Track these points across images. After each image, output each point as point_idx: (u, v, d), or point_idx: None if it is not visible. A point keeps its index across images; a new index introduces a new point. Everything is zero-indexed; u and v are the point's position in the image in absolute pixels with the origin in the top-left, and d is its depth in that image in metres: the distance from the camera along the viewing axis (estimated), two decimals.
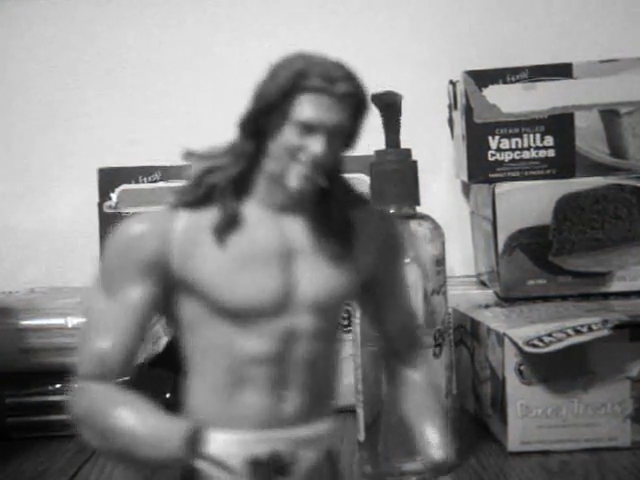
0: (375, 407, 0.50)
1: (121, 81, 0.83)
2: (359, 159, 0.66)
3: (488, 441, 0.56)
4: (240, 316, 0.30)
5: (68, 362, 0.32)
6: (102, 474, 0.53)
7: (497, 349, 0.55)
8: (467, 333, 0.62)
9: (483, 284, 0.72)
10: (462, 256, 0.78)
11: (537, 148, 0.67)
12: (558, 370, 0.53)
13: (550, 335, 0.52)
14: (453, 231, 0.68)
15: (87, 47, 0.83)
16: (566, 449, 0.53)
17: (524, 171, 0.67)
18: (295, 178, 0.30)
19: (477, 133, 0.68)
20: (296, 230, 0.32)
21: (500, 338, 0.54)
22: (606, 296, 0.64)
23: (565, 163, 0.67)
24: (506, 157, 0.68)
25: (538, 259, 0.65)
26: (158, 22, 0.83)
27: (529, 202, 0.65)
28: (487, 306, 0.65)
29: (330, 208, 0.32)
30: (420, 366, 0.36)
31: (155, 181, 0.70)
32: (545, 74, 0.67)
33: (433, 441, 0.35)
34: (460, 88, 0.69)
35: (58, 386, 0.61)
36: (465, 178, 0.71)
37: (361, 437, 0.52)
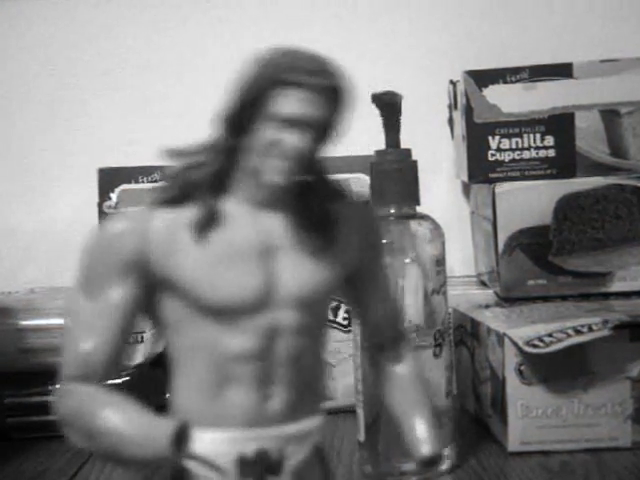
0: (375, 407, 0.50)
1: (121, 81, 0.82)
2: (359, 159, 0.67)
3: (488, 441, 0.56)
4: (222, 313, 0.30)
5: (59, 364, 0.32)
6: (102, 474, 0.53)
7: (497, 349, 0.55)
8: (467, 333, 0.62)
9: (483, 284, 0.72)
10: (462, 256, 0.78)
11: (537, 148, 0.67)
12: (558, 370, 0.53)
13: (550, 335, 0.52)
14: (453, 231, 0.68)
15: (87, 47, 0.83)
16: (566, 449, 0.53)
17: (524, 171, 0.67)
18: (274, 173, 0.30)
19: (477, 133, 0.68)
20: (276, 226, 0.31)
21: (500, 338, 0.54)
22: (606, 296, 0.64)
23: (565, 163, 0.67)
24: (506, 157, 0.68)
25: (538, 259, 0.65)
26: (158, 22, 0.83)
27: (529, 202, 0.65)
28: (487, 306, 0.65)
29: (310, 202, 0.32)
30: (405, 360, 0.36)
31: (155, 181, 0.70)
32: (545, 74, 0.67)
33: (421, 436, 0.35)
34: (460, 88, 0.69)
35: (58, 386, 0.61)
36: (465, 178, 0.71)
37: (361, 437, 0.52)
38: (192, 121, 0.82)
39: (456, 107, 0.73)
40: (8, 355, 0.61)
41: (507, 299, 0.66)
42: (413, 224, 0.51)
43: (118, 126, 0.82)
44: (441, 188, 0.81)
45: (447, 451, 0.51)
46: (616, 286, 0.65)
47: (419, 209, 0.52)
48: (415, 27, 0.82)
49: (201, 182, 0.31)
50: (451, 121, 0.77)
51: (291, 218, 0.32)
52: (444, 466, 0.51)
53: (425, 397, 0.36)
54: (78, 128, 0.82)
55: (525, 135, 0.67)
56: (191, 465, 0.30)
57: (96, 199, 0.71)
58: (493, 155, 0.68)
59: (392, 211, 0.51)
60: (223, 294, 0.30)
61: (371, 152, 0.52)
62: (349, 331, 0.64)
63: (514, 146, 0.67)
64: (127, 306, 0.31)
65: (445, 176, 0.81)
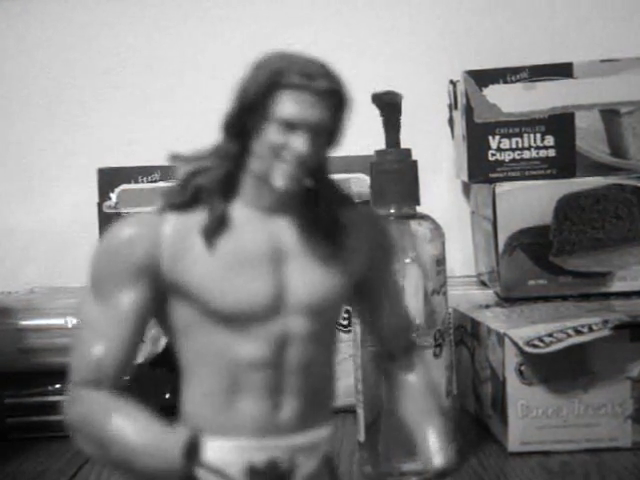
0: (375, 407, 0.50)
1: (120, 81, 0.82)
2: (359, 159, 0.67)
3: (488, 441, 0.56)
4: (232, 320, 0.30)
5: (68, 362, 0.31)
6: (102, 475, 0.53)
7: (497, 349, 0.55)
8: (467, 333, 0.62)
9: (483, 284, 0.72)
10: (462, 256, 0.78)
11: (537, 148, 0.67)
12: (558, 370, 0.53)
13: (550, 335, 0.52)
14: (453, 231, 0.68)
15: (86, 47, 0.83)
16: (566, 449, 0.53)
17: (524, 171, 0.67)
18: (280, 177, 0.30)
19: (477, 133, 0.68)
20: (285, 231, 0.31)
21: (500, 338, 0.54)
22: (607, 296, 0.64)
23: (565, 163, 0.67)
24: (506, 157, 0.68)
25: (539, 259, 0.65)
26: (158, 22, 0.83)
27: (529, 202, 0.65)
28: (487, 306, 0.65)
29: (318, 208, 0.32)
30: (417, 369, 0.36)
31: (155, 181, 0.70)
32: (545, 74, 0.67)
33: (433, 446, 0.35)
34: (460, 88, 0.69)
35: (58, 386, 0.61)
36: (465, 178, 0.71)
37: (361, 437, 0.52)
38: (192, 121, 0.82)
39: (456, 107, 0.73)
40: (8, 355, 0.61)
41: (507, 299, 0.66)
42: (413, 224, 0.51)
43: (118, 126, 0.82)
44: (441, 188, 0.81)
45: (447, 451, 0.51)
46: (616, 286, 0.65)
47: (419, 209, 0.52)
48: (415, 27, 0.82)
49: (209, 187, 0.31)
50: (451, 121, 0.77)
51: (299, 223, 0.31)
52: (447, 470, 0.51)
53: (437, 407, 0.36)
54: (78, 128, 0.82)
55: (525, 135, 0.67)
56: (200, 474, 0.30)
57: (96, 199, 0.71)
58: (493, 155, 0.68)
59: (392, 211, 0.51)
60: (233, 300, 0.30)
61: (371, 152, 0.52)
62: (349, 331, 0.64)
63: (514, 146, 0.67)
64: (138, 311, 0.31)
65: (445, 176, 0.81)
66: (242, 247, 0.30)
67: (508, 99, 0.67)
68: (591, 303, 0.62)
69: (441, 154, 0.81)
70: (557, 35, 0.80)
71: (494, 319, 0.59)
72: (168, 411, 0.31)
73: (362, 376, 0.51)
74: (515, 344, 0.53)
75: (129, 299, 0.31)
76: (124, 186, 0.70)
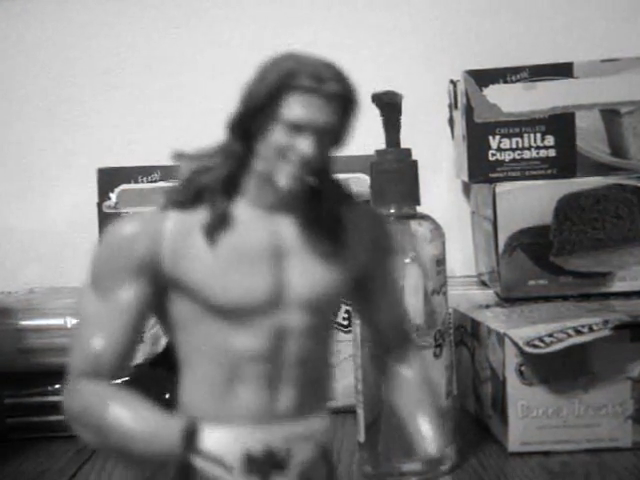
0: (375, 407, 0.50)
1: (120, 81, 0.82)
2: (359, 159, 0.67)
3: (489, 442, 0.56)
4: (232, 314, 0.31)
5: (67, 356, 0.32)
6: (102, 475, 0.53)
7: (498, 349, 0.55)
8: (467, 333, 0.62)
9: (484, 284, 0.72)
10: (463, 256, 0.78)
11: (538, 148, 0.67)
12: (559, 370, 0.53)
13: (551, 335, 0.52)
14: (453, 231, 0.68)
15: (86, 47, 0.83)
16: (567, 450, 0.53)
17: (525, 171, 0.67)
18: (285, 178, 0.30)
19: (477, 133, 0.68)
20: (286, 229, 0.32)
21: (501, 338, 0.54)
22: (607, 296, 0.64)
23: (566, 163, 0.67)
24: (507, 157, 0.67)
25: (539, 259, 0.65)
26: (158, 22, 0.83)
27: (530, 202, 0.64)
28: (487, 306, 0.65)
29: (320, 207, 0.32)
30: (413, 363, 0.37)
31: (155, 181, 0.70)
32: (546, 74, 0.67)
33: (427, 436, 0.35)
34: (460, 88, 0.69)
35: (57, 386, 0.61)
36: (466, 178, 0.71)
37: (361, 437, 0.52)
38: (192, 121, 0.82)
39: (456, 107, 0.73)
40: (7, 355, 0.61)
41: (507, 299, 0.66)
42: (413, 224, 0.51)
43: (118, 126, 0.82)
44: (441, 188, 0.81)
45: (447, 451, 0.51)
46: (617, 286, 0.65)
47: (419, 209, 0.52)
48: (415, 26, 0.82)
49: (213, 185, 0.31)
50: (451, 121, 0.77)
51: (301, 221, 0.32)
52: (444, 466, 0.51)
53: (431, 398, 0.36)
54: (77, 128, 0.82)
55: (525, 135, 0.67)
56: (197, 462, 0.30)
57: (96, 199, 0.71)
58: (493, 155, 0.68)
59: (392, 211, 0.51)
60: (233, 295, 0.31)
61: (371, 152, 0.52)
62: (349, 331, 0.64)
63: (514, 146, 0.67)
64: (138, 306, 0.31)
65: (445, 176, 0.81)
66: (243, 244, 0.31)
67: (508, 99, 0.67)
68: (591, 303, 0.62)
69: (441, 154, 0.80)
70: (557, 35, 0.80)
71: (494, 319, 0.59)
72: (168, 411, 0.32)
73: (362, 376, 0.51)
74: (515, 344, 0.53)
75: (129, 294, 0.31)
76: (124, 186, 0.70)
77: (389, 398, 0.37)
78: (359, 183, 0.67)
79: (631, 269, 0.65)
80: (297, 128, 0.30)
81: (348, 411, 0.57)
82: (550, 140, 0.67)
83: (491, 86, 0.67)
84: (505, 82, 0.67)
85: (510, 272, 0.65)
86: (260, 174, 0.31)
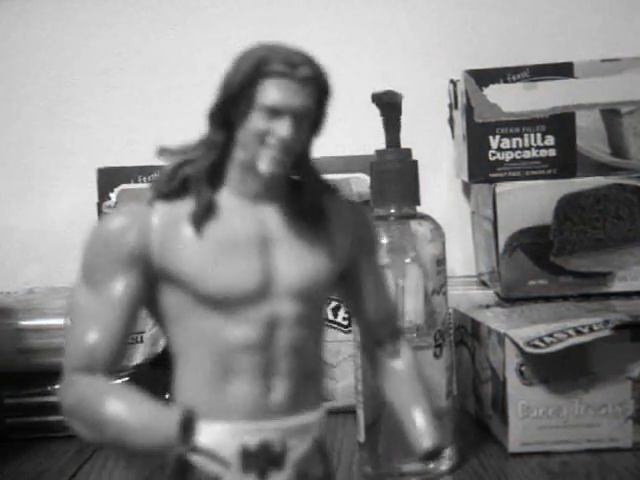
0: (376, 408, 0.50)
1: (120, 80, 0.82)
2: (359, 159, 0.67)
3: (489, 442, 0.56)
4: (222, 304, 0.31)
5: (62, 358, 0.32)
6: (102, 475, 0.53)
7: (498, 349, 0.55)
8: (468, 333, 0.62)
9: (484, 284, 0.72)
10: (463, 256, 0.78)
11: (538, 148, 0.67)
12: (559, 371, 0.53)
13: (551, 335, 0.52)
14: (454, 231, 0.68)
15: (86, 46, 0.83)
16: (567, 450, 0.53)
17: (525, 171, 0.67)
18: (265, 162, 0.31)
19: (478, 133, 0.68)
20: (271, 217, 0.32)
21: (501, 338, 0.54)
22: (607, 296, 0.64)
23: (566, 163, 0.67)
24: (507, 157, 0.67)
25: (539, 259, 0.65)
26: (157, 21, 0.83)
27: (530, 202, 0.64)
28: (488, 306, 0.64)
29: (302, 198, 0.33)
30: (403, 354, 0.36)
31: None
32: (546, 73, 0.67)
33: (422, 429, 0.35)
34: (461, 87, 0.69)
35: (57, 386, 0.60)
36: (466, 178, 0.71)
37: (361, 438, 0.52)
38: (191, 121, 0.82)
39: (456, 106, 0.73)
40: (7, 355, 0.61)
41: (508, 299, 0.65)
42: (413, 224, 0.51)
43: (117, 126, 0.82)
44: (441, 188, 0.81)
45: (448, 451, 0.51)
46: (617, 286, 0.65)
47: (419, 209, 0.52)
48: (415, 26, 0.82)
49: (196, 176, 0.31)
50: (451, 121, 0.77)
51: (285, 211, 0.32)
52: (444, 466, 0.51)
53: (424, 390, 0.36)
54: (77, 128, 0.82)
55: (526, 135, 0.67)
56: (193, 457, 0.30)
57: (95, 199, 0.71)
58: (494, 155, 0.68)
59: (392, 211, 0.50)
60: (223, 285, 0.31)
61: (371, 152, 0.52)
62: (349, 331, 0.64)
63: (515, 146, 0.67)
64: (130, 299, 0.31)
65: (445, 176, 0.81)
66: (230, 233, 0.31)
67: (508, 99, 0.67)
68: (592, 303, 0.62)
69: (441, 154, 0.80)
70: (558, 35, 0.80)
71: (494, 319, 0.59)
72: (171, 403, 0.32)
73: (362, 376, 0.51)
74: (515, 344, 0.53)
75: (121, 287, 0.31)
76: (124, 186, 0.70)
77: (383, 393, 0.37)
78: (359, 183, 0.67)
79: (631, 269, 0.65)
80: (274, 112, 0.30)
81: (348, 411, 0.57)
82: (550, 140, 0.67)
83: (491, 86, 0.67)
84: (505, 82, 0.67)
85: (510, 272, 0.65)
86: (242, 162, 0.31)
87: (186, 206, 0.31)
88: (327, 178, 0.34)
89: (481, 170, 0.68)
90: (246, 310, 0.31)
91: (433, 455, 0.35)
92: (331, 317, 0.65)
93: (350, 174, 0.67)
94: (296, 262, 0.32)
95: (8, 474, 0.55)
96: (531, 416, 0.53)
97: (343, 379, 0.64)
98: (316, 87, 0.31)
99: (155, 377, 0.57)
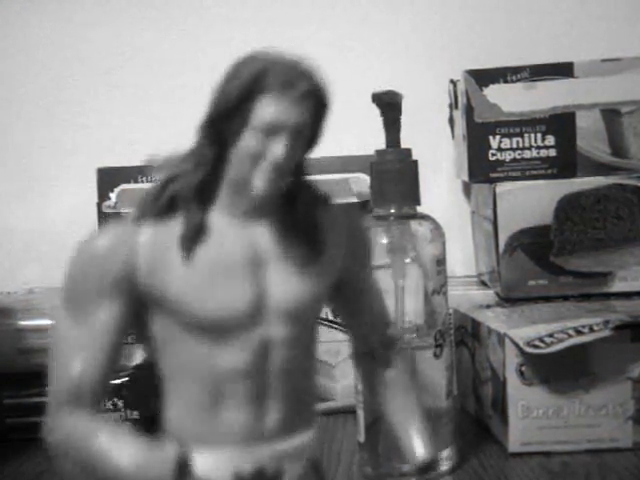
0: (375, 408, 0.50)
1: (120, 81, 0.82)
2: (359, 159, 0.67)
3: (489, 442, 0.56)
4: (213, 330, 0.30)
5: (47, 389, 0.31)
6: None
7: (498, 349, 0.55)
8: (468, 333, 0.62)
9: (484, 284, 0.72)
10: (463, 256, 0.78)
11: (538, 148, 0.67)
12: (559, 371, 0.53)
13: (551, 335, 0.52)
14: (454, 231, 0.68)
15: (86, 46, 0.83)
16: (567, 450, 0.53)
17: (525, 171, 0.67)
18: (260, 183, 0.29)
19: (478, 132, 0.67)
20: (263, 237, 0.31)
21: (501, 338, 0.54)
22: (607, 296, 0.64)
23: (566, 163, 0.67)
24: (507, 157, 0.67)
25: (539, 259, 0.65)
26: (158, 21, 0.83)
27: (530, 202, 0.64)
28: (488, 306, 0.64)
29: (295, 210, 0.31)
30: (397, 365, 0.36)
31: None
32: (546, 73, 0.67)
33: (416, 442, 0.35)
34: (461, 87, 0.69)
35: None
36: (466, 178, 0.71)
37: (361, 438, 0.52)
38: (192, 121, 0.82)
39: (457, 106, 0.73)
40: (7, 355, 0.61)
41: (508, 299, 0.65)
42: (413, 224, 0.51)
43: (117, 126, 0.82)
44: (442, 188, 0.81)
45: (448, 452, 0.51)
46: (617, 286, 0.65)
47: (419, 209, 0.52)
48: (415, 26, 0.82)
49: (185, 194, 0.30)
50: (451, 121, 0.77)
51: (277, 228, 0.31)
52: (445, 466, 0.50)
53: (418, 402, 0.36)
54: (77, 128, 0.82)
55: (526, 135, 0.67)
56: None
57: (95, 199, 0.71)
58: (494, 155, 0.67)
59: (392, 211, 0.50)
60: (213, 311, 0.30)
61: (371, 152, 0.51)
62: None
63: (515, 146, 0.67)
64: (116, 327, 0.30)
65: (446, 176, 0.81)
66: (220, 256, 0.30)
67: (509, 99, 0.67)
68: (592, 303, 0.62)
69: (441, 154, 0.80)
70: (558, 34, 0.80)
71: (495, 319, 0.59)
72: (156, 436, 0.31)
73: None
74: (516, 344, 0.52)
75: (106, 315, 0.30)
76: (123, 186, 0.70)
77: (375, 402, 0.36)
78: (359, 183, 0.67)
79: (632, 269, 0.65)
80: (270, 131, 0.29)
81: (348, 411, 0.57)
82: (550, 140, 0.67)
83: (491, 86, 0.67)
84: (505, 82, 0.67)
85: (510, 272, 0.65)
86: (233, 180, 0.30)
87: (175, 227, 0.30)
88: (320, 188, 0.32)
89: (481, 170, 0.68)
90: (237, 335, 0.30)
91: (429, 467, 0.35)
92: (331, 317, 0.65)
93: (350, 174, 0.67)
94: (288, 283, 0.31)
95: (8, 474, 0.55)
96: (531, 416, 0.53)
97: (343, 379, 0.64)
98: (314, 102, 0.29)
99: (154, 377, 0.57)
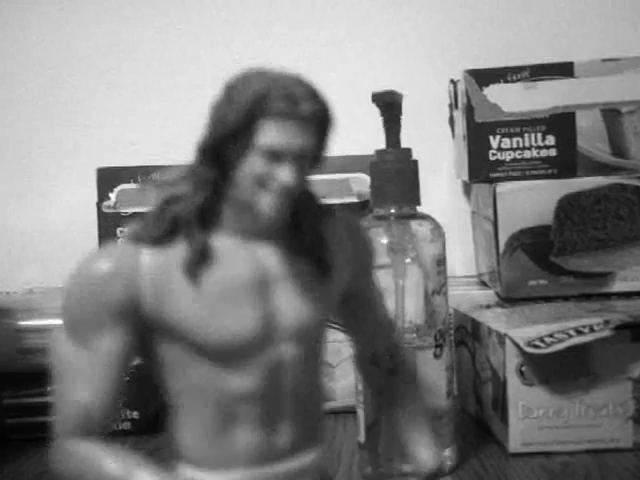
0: (376, 408, 0.50)
1: (120, 80, 0.82)
2: (359, 159, 0.67)
3: (489, 442, 0.56)
4: (224, 354, 0.29)
5: (53, 420, 0.30)
6: None
7: (498, 350, 0.55)
8: (468, 334, 0.62)
9: (484, 284, 0.72)
10: (463, 256, 0.78)
11: (538, 147, 0.67)
12: (559, 371, 0.53)
13: (551, 336, 0.52)
14: (454, 231, 0.68)
15: (86, 46, 0.83)
16: (567, 450, 0.53)
17: (525, 171, 0.67)
18: (266, 207, 0.29)
19: (478, 132, 0.67)
20: (269, 257, 0.30)
21: (501, 339, 0.54)
22: (608, 296, 0.64)
23: (566, 163, 0.67)
24: (507, 156, 0.67)
25: (539, 259, 0.65)
26: (158, 21, 0.83)
27: (530, 202, 0.64)
28: (488, 306, 0.64)
29: (302, 229, 0.31)
30: (402, 372, 0.36)
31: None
32: (546, 73, 0.67)
33: (422, 450, 0.35)
34: (461, 87, 0.69)
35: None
36: (466, 178, 0.71)
37: (361, 438, 0.52)
38: (192, 121, 0.82)
39: (457, 106, 0.73)
40: (7, 356, 0.61)
41: (508, 299, 0.65)
42: (414, 224, 0.51)
43: (117, 126, 0.82)
44: (442, 188, 0.81)
45: (448, 452, 0.51)
46: (617, 286, 0.65)
47: (420, 209, 0.52)
48: (416, 26, 0.82)
49: (187, 216, 0.29)
50: (452, 120, 0.77)
51: (283, 247, 0.30)
52: (445, 467, 0.50)
53: (425, 409, 0.36)
54: (77, 127, 0.82)
55: (526, 134, 0.67)
56: None
57: (95, 199, 0.71)
58: (494, 155, 0.67)
59: (392, 211, 0.50)
60: (221, 335, 0.29)
61: (371, 152, 0.51)
62: None
63: (515, 145, 0.67)
64: (121, 354, 0.29)
65: (446, 176, 0.81)
66: (227, 279, 0.29)
67: (509, 98, 0.67)
68: (592, 303, 0.62)
69: (442, 154, 0.80)
70: (558, 34, 0.80)
71: (495, 319, 0.59)
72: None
73: None
74: (516, 344, 0.52)
75: (110, 342, 0.29)
76: (123, 186, 0.70)
77: (382, 410, 0.36)
78: (359, 183, 0.67)
79: (632, 269, 0.65)
80: (274, 155, 0.28)
81: (348, 411, 0.57)
82: (551, 140, 0.67)
83: (492, 86, 0.67)
84: (506, 82, 0.67)
85: (511, 272, 0.65)
86: (237, 202, 0.29)
87: (179, 250, 0.29)
88: (323, 202, 0.32)
89: (481, 170, 0.68)
90: (247, 358, 0.29)
91: (436, 475, 0.35)
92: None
93: (350, 174, 0.67)
94: (298, 302, 0.30)
95: (8, 474, 0.55)
96: (531, 416, 0.53)
97: (343, 379, 0.64)
98: (319, 123, 0.28)
99: (155, 377, 0.57)
